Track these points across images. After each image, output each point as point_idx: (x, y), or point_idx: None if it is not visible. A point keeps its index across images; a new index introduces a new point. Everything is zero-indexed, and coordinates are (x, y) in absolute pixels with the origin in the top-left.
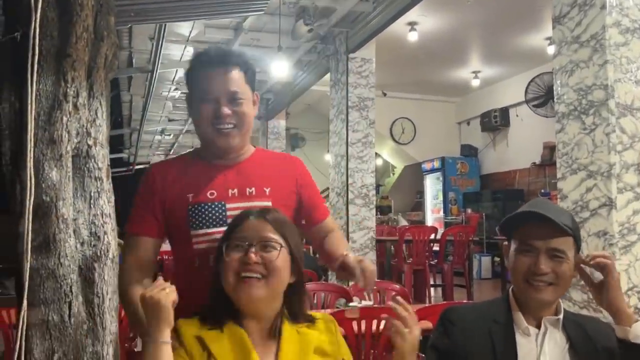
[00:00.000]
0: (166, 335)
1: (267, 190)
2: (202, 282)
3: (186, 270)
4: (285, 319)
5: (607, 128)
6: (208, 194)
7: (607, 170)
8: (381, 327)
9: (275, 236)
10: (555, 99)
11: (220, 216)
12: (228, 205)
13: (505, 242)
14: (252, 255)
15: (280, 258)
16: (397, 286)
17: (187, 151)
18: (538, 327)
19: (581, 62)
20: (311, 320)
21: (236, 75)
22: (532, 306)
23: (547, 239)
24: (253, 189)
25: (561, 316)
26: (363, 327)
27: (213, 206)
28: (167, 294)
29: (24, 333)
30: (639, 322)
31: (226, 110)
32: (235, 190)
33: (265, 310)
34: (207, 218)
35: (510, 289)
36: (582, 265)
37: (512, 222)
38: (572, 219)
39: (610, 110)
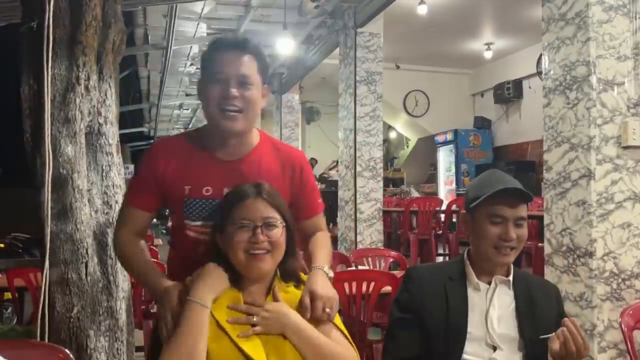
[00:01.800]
0: (209, 300)
1: None
2: (190, 261)
3: (181, 248)
4: (277, 279)
5: (588, 103)
6: (203, 190)
7: (587, 143)
8: (371, 288)
9: (275, 214)
10: (543, 75)
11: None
12: None
13: (463, 211)
14: (260, 236)
15: (282, 235)
16: (394, 253)
17: (192, 131)
18: (489, 283)
19: (566, 39)
20: (300, 281)
21: (249, 61)
22: (488, 267)
23: (514, 208)
24: None
25: (511, 277)
26: (354, 289)
27: (207, 203)
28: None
29: (47, 289)
30: None
31: (234, 92)
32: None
33: (265, 276)
34: (200, 212)
35: (466, 251)
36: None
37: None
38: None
39: (592, 86)
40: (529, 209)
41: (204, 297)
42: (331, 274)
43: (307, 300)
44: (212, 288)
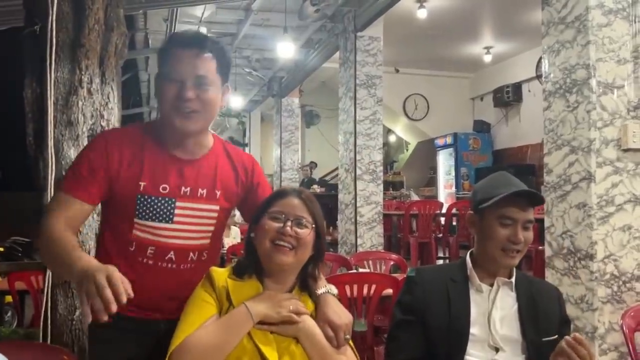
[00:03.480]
0: (258, 317)
1: (218, 194)
2: (135, 267)
3: (118, 251)
4: (297, 286)
5: (588, 106)
6: (160, 188)
7: (588, 146)
8: (372, 291)
9: (308, 216)
10: (543, 78)
11: (168, 212)
12: (178, 203)
13: (470, 212)
14: (288, 229)
15: (310, 235)
16: (395, 256)
17: (147, 124)
18: (491, 285)
19: (566, 43)
20: (313, 295)
21: (208, 60)
22: (492, 269)
23: (524, 211)
24: (205, 190)
25: (513, 279)
26: (355, 291)
27: (163, 201)
28: None
29: (50, 292)
30: None
31: (190, 93)
32: (188, 189)
33: (287, 275)
34: (154, 211)
35: (468, 253)
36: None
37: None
38: None
39: (592, 89)
40: None
41: (257, 312)
42: (335, 291)
43: (330, 332)
44: (267, 309)
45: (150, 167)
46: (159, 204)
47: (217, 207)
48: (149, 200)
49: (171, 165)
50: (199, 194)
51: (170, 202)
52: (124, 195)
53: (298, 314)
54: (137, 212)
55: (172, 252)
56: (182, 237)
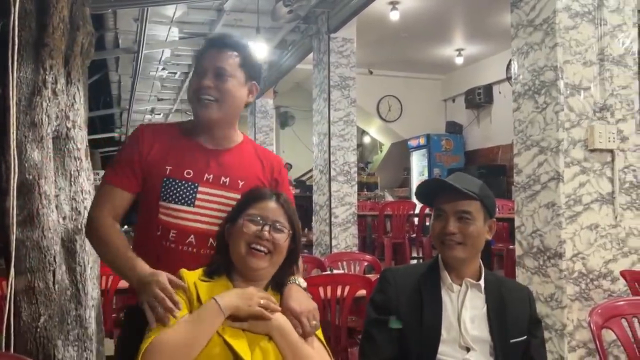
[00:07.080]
0: (229, 310)
1: (241, 184)
2: (159, 250)
3: (147, 235)
4: (270, 286)
5: (556, 107)
6: (185, 173)
7: (556, 146)
8: (345, 292)
9: (285, 221)
10: (513, 80)
11: (190, 196)
12: (200, 188)
13: None
14: (266, 233)
15: (286, 240)
16: (369, 256)
17: (182, 121)
18: (461, 285)
19: (535, 45)
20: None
21: (229, 55)
22: (453, 265)
23: (453, 202)
24: (228, 179)
25: (482, 282)
26: (329, 293)
27: (186, 185)
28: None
29: (13, 298)
30: None
31: (208, 82)
32: (211, 176)
33: (261, 278)
34: (177, 194)
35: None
36: None
37: (426, 192)
38: (481, 187)
39: (559, 90)
40: (499, 212)
41: (226, 305)
42: (304, 284)
43: (293, 320)
44: (237, 301)
45: (177, 153)
46: (182, 187)
47: (238, 196)
48: (173, 183)
49: (197, 153)
50: (221, 182)
51: (193, 187)
52: (152, 179)
53: (269, 310)
54: (162, 195)
55: (192, 236)
56: (202, 222)
